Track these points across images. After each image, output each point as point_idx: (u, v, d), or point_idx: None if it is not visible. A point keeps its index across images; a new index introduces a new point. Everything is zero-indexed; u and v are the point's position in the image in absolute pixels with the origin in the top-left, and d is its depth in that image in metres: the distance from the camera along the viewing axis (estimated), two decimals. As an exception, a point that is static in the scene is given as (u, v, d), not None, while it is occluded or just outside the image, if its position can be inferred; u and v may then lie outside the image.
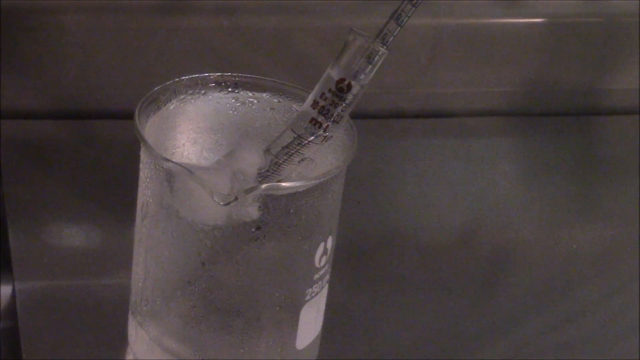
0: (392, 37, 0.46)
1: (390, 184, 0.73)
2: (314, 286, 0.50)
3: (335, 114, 0.47)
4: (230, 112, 0.53)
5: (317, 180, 0.48)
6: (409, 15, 0.46)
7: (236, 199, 0.45)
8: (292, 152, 0.48)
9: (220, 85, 0.52)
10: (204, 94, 0.52)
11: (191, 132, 0.52)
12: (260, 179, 0.48)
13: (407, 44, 0.77)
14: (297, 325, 0.51)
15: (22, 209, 0.65)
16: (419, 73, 0.79)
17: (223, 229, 0.47)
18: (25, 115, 0.73)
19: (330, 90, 0.47)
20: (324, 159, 0.51)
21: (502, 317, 0.62)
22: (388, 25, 0.46)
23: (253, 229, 0.47)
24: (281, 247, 0.48)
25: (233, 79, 0.53)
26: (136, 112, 0.49)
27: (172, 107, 0.51)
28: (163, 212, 0.48)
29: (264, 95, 0.53)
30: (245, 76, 0.53)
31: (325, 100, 0.47)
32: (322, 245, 0.50)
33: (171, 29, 0.74)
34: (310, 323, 0.51)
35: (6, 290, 0.62)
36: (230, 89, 0.53)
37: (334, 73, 0.47)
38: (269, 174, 0.48)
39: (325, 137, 0.47)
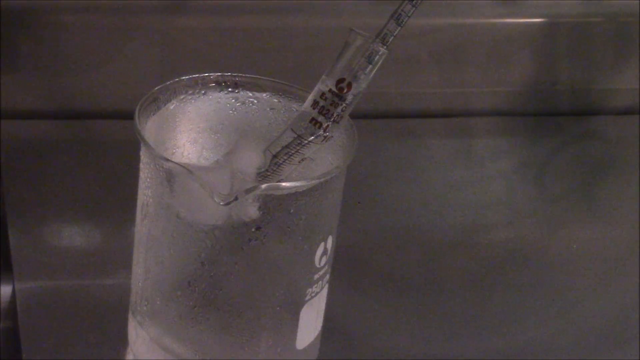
0: (392, 37, 0.46)
1: (390, 184, 0.73)
2: (314, 286, 0.50)
3: (335, 114, 0.47)
4: (230, 112, 0.53)
5: (317, 180, 0.48)
6: (409, 15, 0.46)
7: (236, 199, 0.45)
8: (292, 152, 0.48)
9: (220, 85, 0.52)
10: (204, 94, 0.52)
11: (191, 132, 0.52)
12: (260, 179, 0.48)
13: (408, 44, 0.77)
14: (297, 325, 0.51)
15: (22, 209, 0.65)
16: (418, 73, 0.79)
17: (223, 229, 0.47)
18: (25, 115, 0.73)
19: (330, 90, 0.47)
20: (324, 159, 0.51)
21: (502, 317, 0.62)
22: (388, 25, 0.46)
23: (253, 229, 0.47)
24: (281, 247, 0.48)
25: (233, 79, 0.53)
26: (136, 112, 0.49)
27: (172, 107, 0.51)
28: (163, 212, 0.48)
29: (264, 95, 0.53)
30: (245, 76, 0.53)
31: (325, 100, 0.47)
32: (322, 245, 0.50)
33: (171, 29, 0.74)
34: (310, 323, 0.51)
35: (6, 290, 0.62)
36: (230, 89, 0.53)
37: (334, 73, 0.47)
38: (269, 174, 0.48)
39: (325, 137, 0.47)
